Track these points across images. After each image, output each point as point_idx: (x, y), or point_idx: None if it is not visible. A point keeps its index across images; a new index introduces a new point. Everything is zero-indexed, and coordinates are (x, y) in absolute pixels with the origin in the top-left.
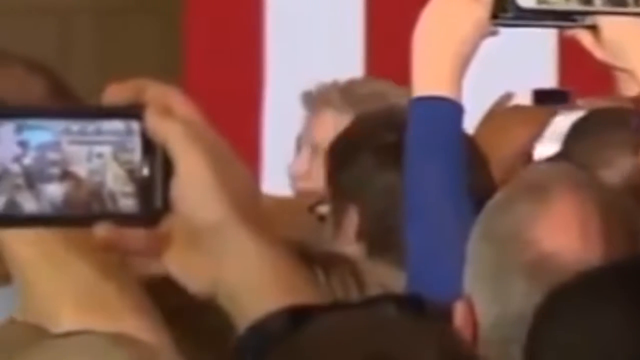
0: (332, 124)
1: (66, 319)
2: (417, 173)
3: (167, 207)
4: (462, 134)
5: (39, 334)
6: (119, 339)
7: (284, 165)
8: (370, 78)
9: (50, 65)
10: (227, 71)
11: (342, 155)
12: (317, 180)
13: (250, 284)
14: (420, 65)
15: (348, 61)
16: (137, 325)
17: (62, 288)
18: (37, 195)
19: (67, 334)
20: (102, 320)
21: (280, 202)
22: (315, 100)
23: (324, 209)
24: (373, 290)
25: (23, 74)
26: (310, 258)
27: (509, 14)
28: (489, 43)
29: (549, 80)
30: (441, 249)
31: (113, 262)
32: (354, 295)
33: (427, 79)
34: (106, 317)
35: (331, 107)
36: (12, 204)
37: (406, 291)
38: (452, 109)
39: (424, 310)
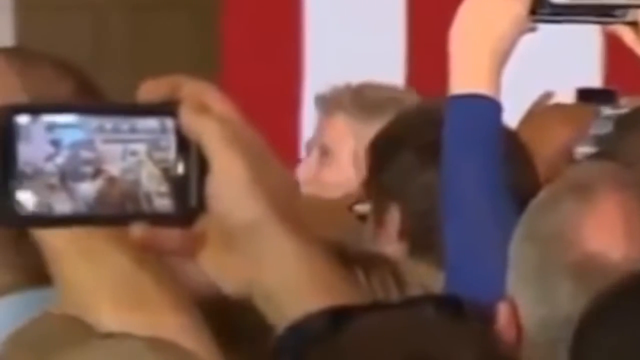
0: (343, 128)
1: (104, 315)
2: (454, 171)
3: (202, 206)
4: (501, 131)
5: (74, 327)
6: (155, 343)
7: None
8: (383, 83)
9: (84, 61)
10: (264, 67)
11: (383, 154)
12: (325, 185)
13: (288, 284)
14: (457, 62)
15: (388, 57)
16: (177, 321)
17: (100, 283)
18: (71, 195)
19: (104, 336)
20: (140, 315)
21: (319, 201)
22: (328, 103)
23: (363, 207)
24: (414, 291)
25: (52, 75)
26: (350, 258)
27: (547, 10)
28: (532, 40)
29: (593, 78)
30: (478, 248)
31: (151, 257)
32: (395, 295)
33: (465, 76)
34: (145, 312)
35: (343, 110)
36: (45, 203)
37: (444, 291)
38: (489, 106)
39: (463, 311)
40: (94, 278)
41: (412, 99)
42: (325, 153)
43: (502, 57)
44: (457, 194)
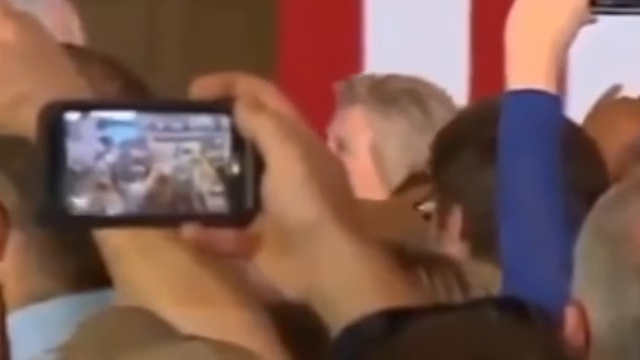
0: (360, 120)
1: (165, 312)
2: (510, 169)
3: (258, 206)
4: (561, 127)
5: (141, 324)
6: (221, 346)
7: None
8: (401, 74)
9: (137, 57)
10: (322, 64)
11: (444, 152)
12: None
13: (346, 287)
14: (514, 57)
15: (451, 57)
16: (240, 317)
17: (160, 280)
18: (122, 195)
19: (171, 338)
20: (201, 311)
21: (383, 200)
22: (345, 95)
23: (429, 206)
24: (477, 292)
25: (99, 74)
26: (411, 259)
27: (607, 1)
28: (598, 32)
29: None
30: (535, 248)
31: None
32: (458, 297)
33: (522, 71)
34: (206, 308)
35: (360, 102)
36: (96, 203)
37: (502, 293)
38: (548, 102)
39: (528, 314)
40: (154, 275)
41: (431, 92)
42: (341, 146)
43: (561, 51)
44: (513, 193)
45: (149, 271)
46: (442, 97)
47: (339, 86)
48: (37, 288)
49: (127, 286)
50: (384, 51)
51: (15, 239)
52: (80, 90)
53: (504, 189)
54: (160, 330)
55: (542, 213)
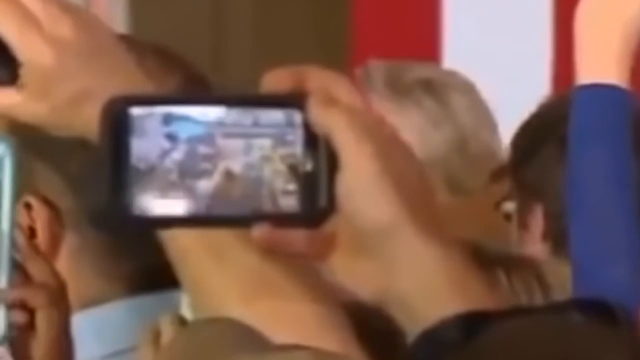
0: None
1: (236, 312)
2: (579, 165)
3: (332, 205)
4: (633, 122)
5: (233, 336)
6: (322, 355)
7: None
8: (418, 63)
9: (203, 51)
10: (399, 57)
11: (523, 150)
12: None
13: (423, 290)
14: (584, 49)
15: (533, 58)
16: (316, 315)
17: (230, 279)
18: (189, 194)
19: (267, 348)
20: (274, 308)
21: (463, 200)
22: (363, 83)
23: (510, 206)
24: (558, 293)
25: (156, 67)
26: (490, 260)
27: None
28: None
29: None
30: (606, 248)
31: None
32: (538, 298)
33: (591, 64)
34: (279, 305)
35: (373, 92)
36: (162, 203)
37: (572, 294)
38: (618, 97)
39: (613, 316)
40: (224, 275)
41: (447, 81)
42: None
43: (632, 43)
44: (582, 189)
45: (218, 271)
46: (464, 87)
47: (357, 73)
48: (93, 291)
49: (195, 286)
50: (462, 50)
51: (69, 241)
52: (142, 84)
53: (573, 186)
54: (256, 341)
55: (613, 210)
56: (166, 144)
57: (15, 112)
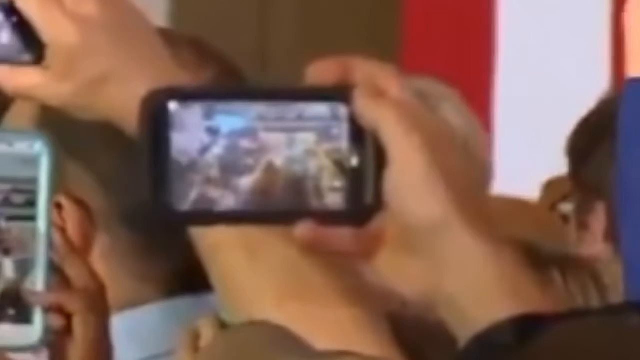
0: None
1: (269, 312)
2: (626, 161)
3: (378, 202)
4: None
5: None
6: None
7: (517, 161)
8: (413, 76)
9: (249, 43)
10: (450, 49)
11: (582, 147)
12: None
13: (474, 290)
14: (633, 42)
15: (592, 57)
16: (350, 315)
17: (263, 277)
18: (230, 189)
19: (311, 354)
20: (309, 309)
21: (517, 200)
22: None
23: (567, 207)
24: (615, 295)
25: (191, 60)
26: (544, 259)
27: None
28: None
29: None
30: None
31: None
32: (594, 300)
33: None
34: (314, 306)
35: None
36: (203, 199)
37: (624, 295)
38: None
39: None
40: (257, 272)
41: (442, 93)
42: None
43: None
44: (630, 186)
45: (250, 267)
46: (447, 95)
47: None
48: (127, 293)
49: (227, 284)
50: (518, 40)
51: (100, 242)
52: (172, 70)
53: (622, 183)
54: (297, 345)
55: None
56: (207, 139)
57: (39, 93)
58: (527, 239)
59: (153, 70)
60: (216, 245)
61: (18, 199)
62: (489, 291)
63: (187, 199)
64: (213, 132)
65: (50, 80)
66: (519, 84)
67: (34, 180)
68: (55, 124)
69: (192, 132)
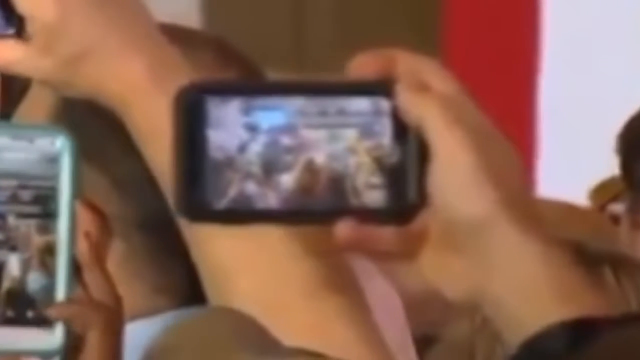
0: None
1: (241, 294)
2: None
3: (422, 200)
4: None
5: (239, 333)
6: None
7: (562, 160)
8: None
9: (285, 39)
10: (494, 41)
11: (633, 147)
12: None
13: (521, 291)
14: None
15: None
16: (337, 306)
17: (244, 257)
18: (270, 187)
19: (271, 350)
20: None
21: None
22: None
23: (617, 207)
24: None
25: (213, 62)
26: (596, 259)
27: None
28: None
29: None
30: None
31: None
32: None
33: None
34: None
35: None
36: (241, 197)
37: None
38: None
39: None
40: (239, 253)
41: None
42: None
43: None
44: None
45: (233, 247)
46: None
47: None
48: (141, 302)
49: (209, 266)
50: (563, 37)
51: (115, 249)
52: (161, 48)
53: None
54: (260, 338)
55: None
56: (245, 135)
57: (20, 67)
58: (577, 239)
59: (136, 47)
60: (205, 231)
61: (26, 195)
62: (537, 292)
63: (225, 196)
64: (252, 128)
65: (31, 54)
66: (564, 84)
67: (53, 178)
68: (70, 125)
69: (230, 128)
